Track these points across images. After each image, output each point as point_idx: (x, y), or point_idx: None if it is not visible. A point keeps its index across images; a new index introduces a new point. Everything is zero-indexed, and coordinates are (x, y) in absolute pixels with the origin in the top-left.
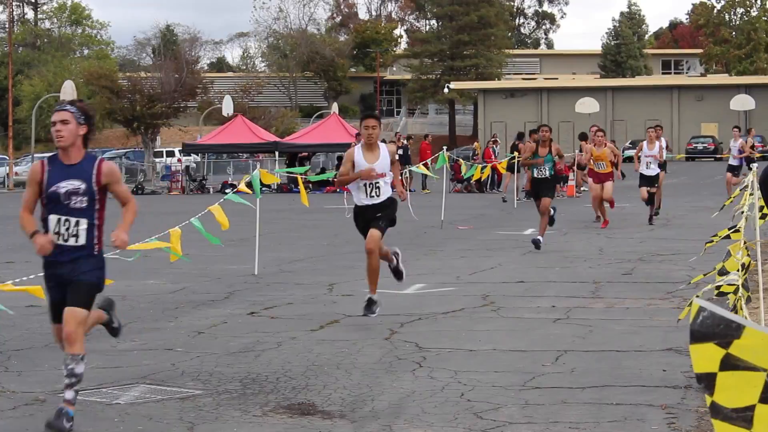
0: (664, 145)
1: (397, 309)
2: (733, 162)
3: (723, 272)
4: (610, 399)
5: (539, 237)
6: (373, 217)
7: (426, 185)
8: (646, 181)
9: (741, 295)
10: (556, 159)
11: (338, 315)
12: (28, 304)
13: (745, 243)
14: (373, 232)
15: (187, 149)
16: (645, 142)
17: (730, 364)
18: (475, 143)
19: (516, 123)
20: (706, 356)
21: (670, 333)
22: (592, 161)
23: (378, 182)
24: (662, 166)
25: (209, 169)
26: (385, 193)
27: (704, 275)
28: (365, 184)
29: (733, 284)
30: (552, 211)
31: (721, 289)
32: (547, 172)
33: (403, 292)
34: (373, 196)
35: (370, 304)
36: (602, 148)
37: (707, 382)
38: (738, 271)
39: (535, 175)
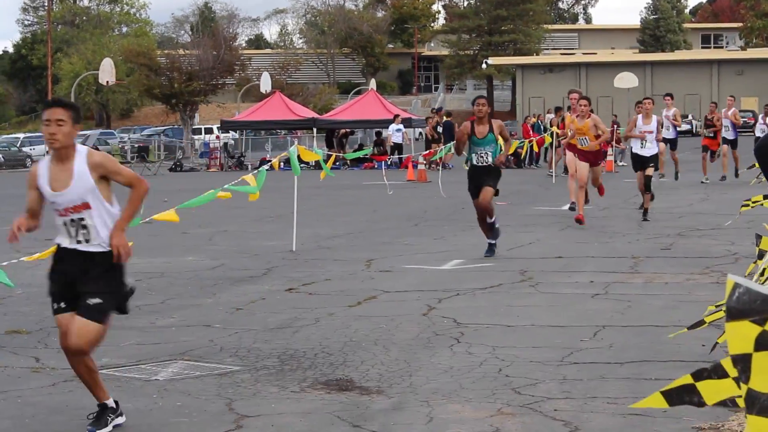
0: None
1: (435, 285)
2: (668, 135)
3: (762, 255)
4: (649, 374)
5: (493, 241)
6: (83, 289)
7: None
8: (640, 163)
9: None
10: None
11: (376, 291)
12: None
13: None
14: (86, 328)
15: (225, 126)
16: (640, 117)
17: (766, 342)
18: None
19: (554, 98)
20: (741, 335)
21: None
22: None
23: (83, 219)
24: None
25: (247, 146)
26: (97, 236)
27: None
28: (66, 221)
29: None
30: (493, 217)
31: (765, 275)
32: (490, 159)
33: (440, 267)
34: (80, 241)
35: (104, 413)
36: (585, 120)
37: (743, 364)
38: None
39: (475, 162)
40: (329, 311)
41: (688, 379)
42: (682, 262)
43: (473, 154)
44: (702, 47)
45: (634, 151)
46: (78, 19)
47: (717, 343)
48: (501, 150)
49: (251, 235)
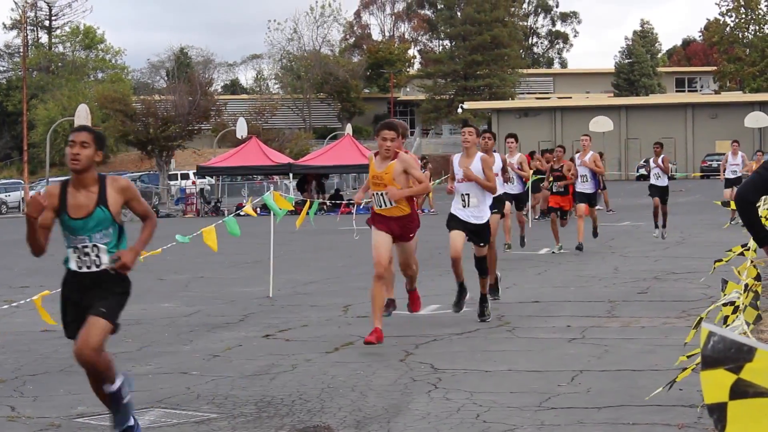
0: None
1: (412, 330)
2: (513, 190)
3: (729, 302)
4: (627, 419)
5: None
6: None
7: None
8: (464, 230)
9: (741, 311)
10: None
11: (353, 337)
12: (42, 329)
13: (752, 262)
14: None
15: (201, 171)
16: (456, 158)
17: (740, 391)
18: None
19: (530, 142)
20: (716, 383)
21: (686, 352)
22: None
23: None
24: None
25: (224, 192)
26: None
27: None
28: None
29: (734, 302)
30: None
31: (724, 313)
32: (104, 259)
33: (417, 313)
34: None
35: None
36: (387, 162)
37: (718, 413)
38: (741, 291)
39: (75, 267)
40: (306, 357)
41: None
42: (658, 305)
43: (70, 249)
44: (676, 91)
45: (452, 211)
46: (53, 65)
47: (675, 380)
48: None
49: (228, 281)
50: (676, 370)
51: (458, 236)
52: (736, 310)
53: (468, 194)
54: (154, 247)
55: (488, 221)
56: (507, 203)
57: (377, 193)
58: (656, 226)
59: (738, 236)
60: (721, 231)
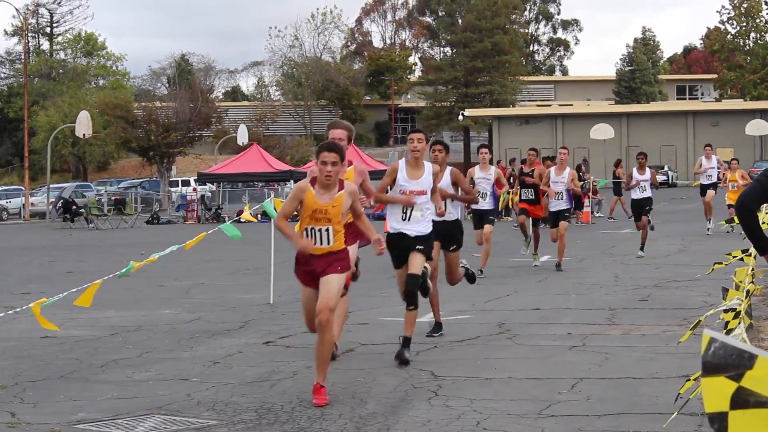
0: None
1: (413, 337)
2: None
3: (730, 309)
4: (627, 426)
5: None
6: None
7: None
8: (402, 257)
9: (741, 319)
10: None
11: (353, 344)
12: (42, 336)
13: (752, 270)
14: None
15: (202, 178)
16: (402, 162)
17: (741, 400)
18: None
19: None
20: (717, 392)
21: (687, 360)
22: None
23: None
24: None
25: (224, 198)
26: None
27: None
28: None
29: (735, 309)
30: None
31: (726, 320)
32: None
33: (418, 320)
34: None
35: None
36: (332, 194)
37: (719, 423)
38: (742, 298)
39: None
40: (307, 364)
41: None
42: (659, 313)
43: None
44: (677, 98)
45: (390, 226)
46: (54, 72)
47: (679, 394)
48: None
49: (228, 287)
50: (677, 378)
51: (402, 274)
52: (737, 316)
53: (410, 208)
54: (148, 254)
55: (431, 234)
56: (484, 228)
57: (315, 229)
58: (641, 248)
59: (739, 243)
60: (722, 238)
